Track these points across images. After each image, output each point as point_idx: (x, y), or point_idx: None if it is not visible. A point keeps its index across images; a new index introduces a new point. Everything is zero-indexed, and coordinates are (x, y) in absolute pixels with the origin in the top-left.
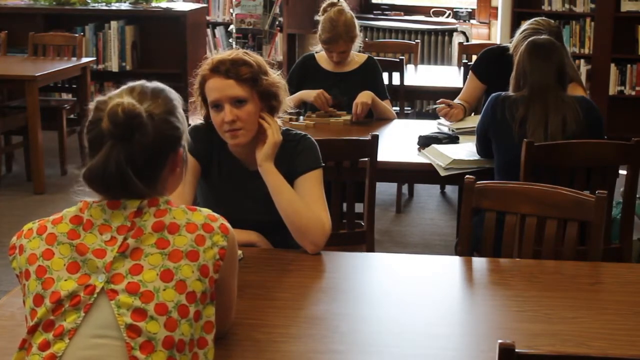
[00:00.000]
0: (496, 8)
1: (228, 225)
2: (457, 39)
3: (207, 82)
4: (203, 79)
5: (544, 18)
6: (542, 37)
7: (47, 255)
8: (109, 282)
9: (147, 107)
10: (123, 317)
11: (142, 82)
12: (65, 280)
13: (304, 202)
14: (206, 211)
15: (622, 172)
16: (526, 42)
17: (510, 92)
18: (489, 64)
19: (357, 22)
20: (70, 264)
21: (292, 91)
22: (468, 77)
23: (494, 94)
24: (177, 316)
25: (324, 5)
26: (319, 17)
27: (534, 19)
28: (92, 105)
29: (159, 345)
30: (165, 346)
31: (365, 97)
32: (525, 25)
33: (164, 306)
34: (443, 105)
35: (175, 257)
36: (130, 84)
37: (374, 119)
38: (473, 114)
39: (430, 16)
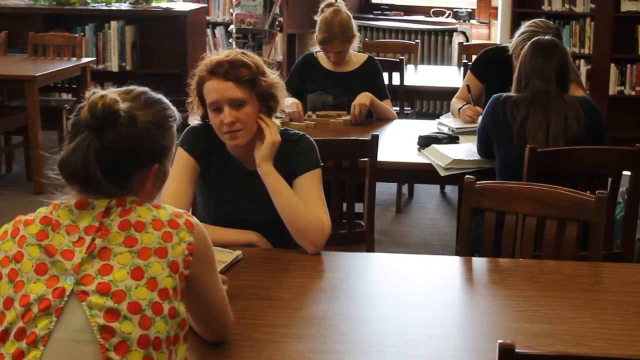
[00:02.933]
0: (496, 8)
1: (194, 220)
2: (457, 39)
3: (206, 84)
4: (201, 80)
5: (542, 20)
6: (546, 37)
7: (18, 257)
8: (78, 284)
9: (130, 108)
10: (96, 319)
11: (146, 89)
12: (34, 282)
13: (303, 202)
14: (171, 208)
15: (624, 172)
16: (529, 42)
17: (512, 93)
18: (487, 64)
19: (354, 23)
20: (38, 265)
21: (292, 91)
22: (466, 76)
23: (495, 95)
24: (151, 314)
25: (321, 5)
26: (317, 18)
27: (532, 21)
28: (87, 94)
29: (134, 345)
30: (140, 345)
31: (363, 98)
32: (524, 27)
33: (137, 305)
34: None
35: (144, 254)
36: (133, 86)
37: (374, 119)
38: None
39: (430, 16)
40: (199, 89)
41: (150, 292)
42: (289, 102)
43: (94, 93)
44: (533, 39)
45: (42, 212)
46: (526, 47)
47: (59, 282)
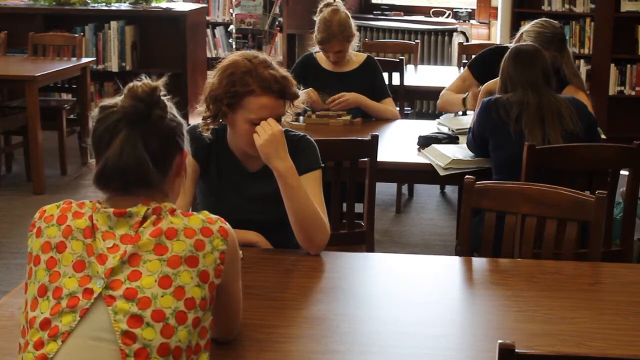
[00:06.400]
0: (496, 8)
1: (227, 226)
2: (457, 39)
3: (255, 98)
4: (248, 92)
5: (547, 20)
6: (526, 43)
7: (60, 248)
8: (107, 288)
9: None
10: (119, 324)
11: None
12: (70, 277)
13: (314, 205)
14: (204, 214)
15: (623, 172)
16: (510, 49)
17: (498, 95)
18: (487, 65)
19: (352, 22)
20: (77, 261)
21: None
22: (463, 72)
23: (484, 99)
24: (175, 323)
25: (320, 5)
26: (316, 18)
27: (537, 21)
28: (94, 112)
29: (154, 352)
30: (160, 353)
31: (347, 96)
32: (529, 25)
33: (161, 313)
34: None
35: (174, 263)
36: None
37: (373, 119)
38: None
39: (430, 16)
40: (236, 97)
41: (177, 301)
42: (306, 93)
43: (108, 104)
44: (513, 47)
45: (89, 209)
46: (507, 54)
47: (90, 282)
